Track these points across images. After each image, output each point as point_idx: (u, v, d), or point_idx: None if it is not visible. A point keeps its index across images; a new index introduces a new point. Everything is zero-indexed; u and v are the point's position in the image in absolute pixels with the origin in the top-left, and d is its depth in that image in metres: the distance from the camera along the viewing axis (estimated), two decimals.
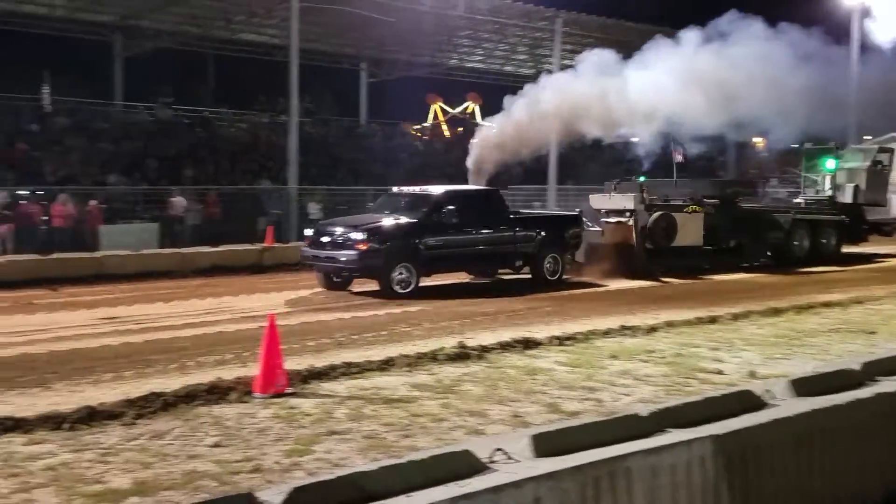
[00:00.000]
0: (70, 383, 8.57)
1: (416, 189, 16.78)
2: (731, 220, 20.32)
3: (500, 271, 17.13)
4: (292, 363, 8.53)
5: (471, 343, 10.02)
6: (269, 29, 31.79)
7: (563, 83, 20.35)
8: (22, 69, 28.60)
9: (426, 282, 15.36)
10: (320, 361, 9.12)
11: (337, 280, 15.35)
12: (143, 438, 6.56)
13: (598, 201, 19.78)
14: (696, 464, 4.35)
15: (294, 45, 25.71)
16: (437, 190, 16.33)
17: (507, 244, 16.24)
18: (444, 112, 46.06)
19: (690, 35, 20.17)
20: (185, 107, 32.92)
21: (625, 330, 11.26)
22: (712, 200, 20.08)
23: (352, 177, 29.99)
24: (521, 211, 19.43)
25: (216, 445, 6.40)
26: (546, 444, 4.03)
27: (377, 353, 9.66)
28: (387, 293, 14.40)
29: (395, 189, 17.59)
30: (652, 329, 11.42)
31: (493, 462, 3.88)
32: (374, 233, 14.77)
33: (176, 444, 6.42)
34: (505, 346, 9.98)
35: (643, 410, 4.94)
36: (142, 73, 32.05)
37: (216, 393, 7.77)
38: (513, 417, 7.21)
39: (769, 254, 21.24)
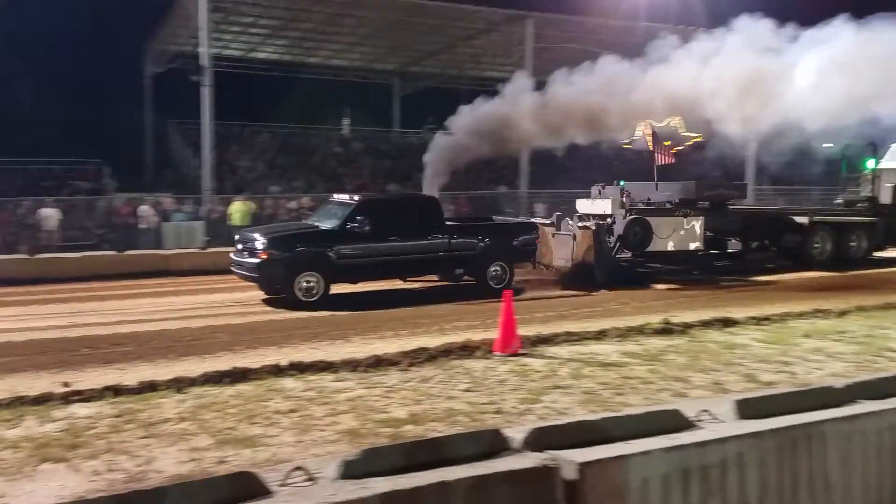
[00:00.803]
0: (364, 338, 9.20)
1: (343, 197, 13.61)
2: (738, 224, 16.36)
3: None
4: (524, 330, 8.59)
5: (675, 320, 9.57)
6: (507, 66, 32.26)
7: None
8: (330, 107, 31.60)
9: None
10: (546, 330, 9.11)
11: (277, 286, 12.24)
12: (414, 381, 6.90)
13: (584, 206, 15.94)
14: (886, 431, 3.89)
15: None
16: (355, 198, 13.26)
17: (439, 252, 12.95)
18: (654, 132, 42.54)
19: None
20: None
21: (817, 312, 10.26)
22: (704, 203, 15.89)
23: (572, 182, 29.68)
24: (464, 219, 16.31)
25: (467, 390, 6.61)
26: (748, 408, 3.78)
27: (593, 326, 9.48)
28: (292, 302, 11.72)
29: (332, 197, 14.36)
30: (843, 312, 10.31)
31: (699, 421, 3.69)
32: (278, 242, 12.13)
33: (438, 387, 6.70)
34: (706, 324, 9.43)
35: (837, 383, 4.48)
36: (413, 107, 34.07)
37: (466, 350, 8.01)
38: (713, 384, 6.81)
39: (780, 257, 16.80)
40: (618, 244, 14.66)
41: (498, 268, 13.32)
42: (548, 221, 15.55)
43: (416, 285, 13.99)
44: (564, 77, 16.14)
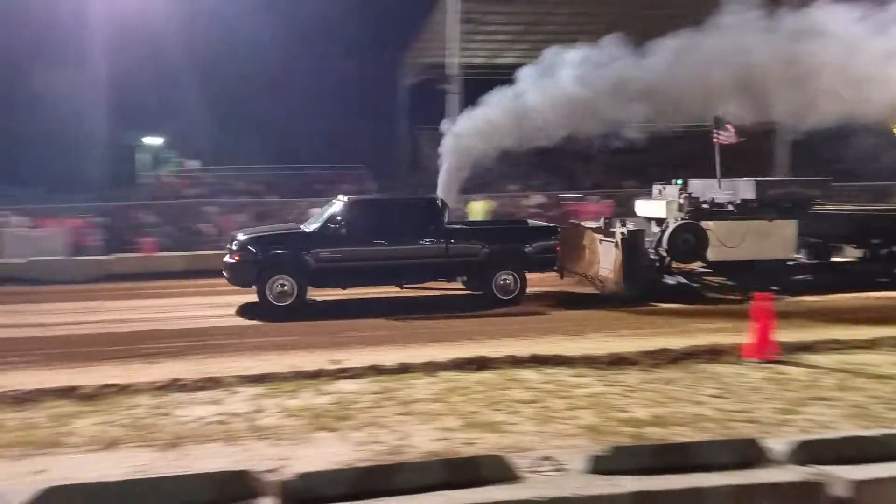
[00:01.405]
0: (603, 336, 9.05)
1: (340, 198, 12.27)
2: (849, 226, 13.16)
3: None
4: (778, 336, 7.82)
5: None
6: None
7: None
8: None
9: None
10: (806, 336, 8.22)
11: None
12: (656, 383, 6.63)
13: (642, 207, 13.89)
14: None
15: None
16: (343, 199, 12.06)
17: (435, 258, 11.67)
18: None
19: None
20: None
21: None
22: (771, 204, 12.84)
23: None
24: (474, 221, 14.89)
25: (716, 396, 6.19)
26: None
27: (863, 333, 8.38)
28: (265, 305, 11.08)
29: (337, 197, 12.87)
30: None
31: None
32: (252, 243, 11.43)
33: (682, 391, 6.36)
34: None
35: None
36: None
37: (714, 354, 7.53)
38: None
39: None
40: (664, 254, 12.57)
41: (508, 277, 11.76)
42: (594, 225, 13.17)
43: None
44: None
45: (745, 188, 12.92)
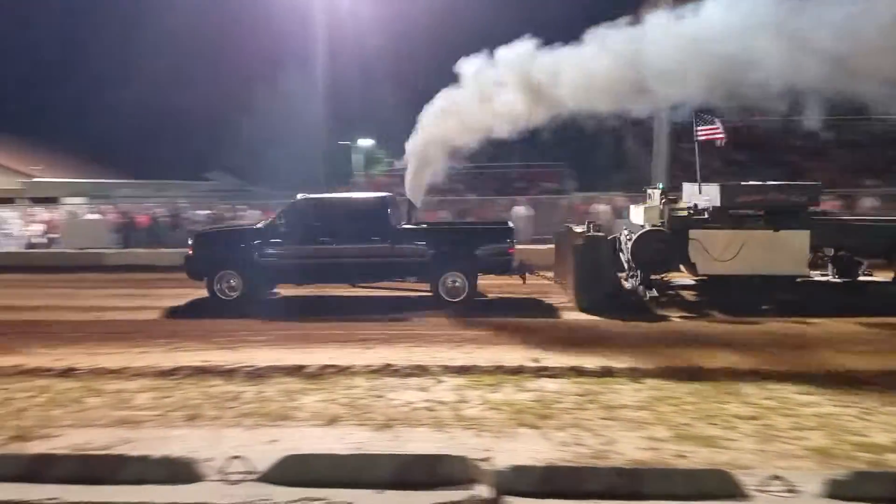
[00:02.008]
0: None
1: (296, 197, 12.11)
2: (872, 240, 11.05)
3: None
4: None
5: None
6: None
7: None
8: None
9: None
10: None
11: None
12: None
13: (633, 214, 12.24)
14: None
15: None
16: (297, 197, 11.99)
17: (381, 257, 11.40)
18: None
19: None
20: None
21: None
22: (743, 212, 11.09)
23: None
24: (429, 222, 13.63)
25: None
26: None
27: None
28: (213, 299, 11.45)
29: None
30: None
31: None
32: (203, 239, 12.09)
33: None
34: None
35: None
36: None
37: None
38: None
39: None
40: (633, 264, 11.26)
41: (455, 279, 11.42)
42: (579, 229, 11.91)
43: None
44: None
45: (713, 194, 11.37)
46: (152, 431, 5.45)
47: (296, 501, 2.80)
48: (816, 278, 11.47)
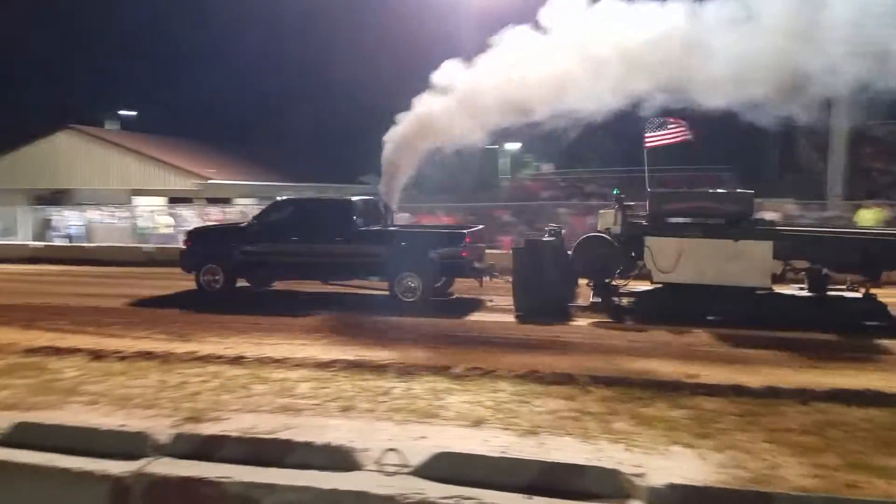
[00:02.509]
0: None
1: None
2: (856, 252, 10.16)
3: None
4: None
5: None
6: None
7: None
8: None
9: None
10: None
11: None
12: None
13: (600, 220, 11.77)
14: None
15: None
16: (277, 199, 13.93)
17: (343, 257, 12.23)
18: None
19: None
20: None
21: None
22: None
23: None
24: (391, 225, 13.67)
25: None
26: None
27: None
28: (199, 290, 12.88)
29: None
30: None
31: None
32: (194, 235, 13.92)
33: None
34: None
35: None
36: None
37: None
38: None
39: None
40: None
41: (410, 279, 11.88)
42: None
43: None
44: None
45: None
46: (311, 420, 5.81)
47: (448, 498, 2.88)
48: (785, 291, 10.86)
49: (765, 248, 10.36)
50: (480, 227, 13.48)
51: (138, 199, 30.21)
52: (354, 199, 13.20)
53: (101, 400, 6.32)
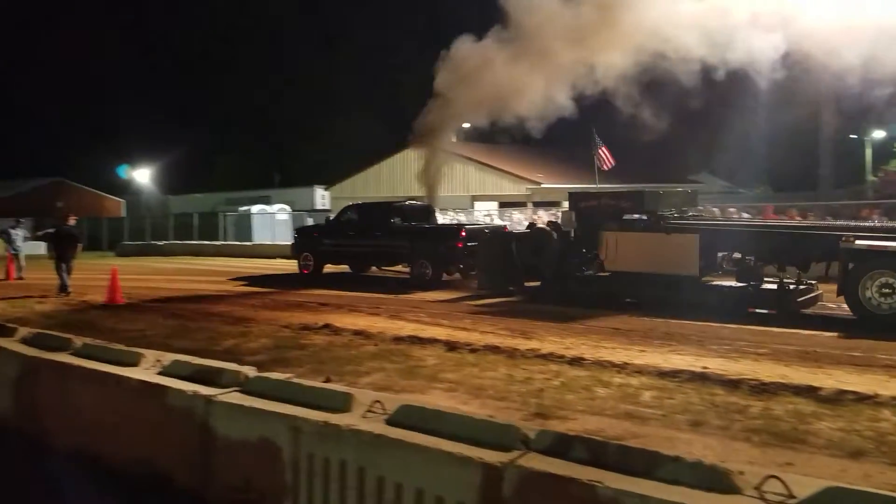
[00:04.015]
0: None
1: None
2: (753, 242, 11.44)
3: None
4: None
5: None
6: None
7: None
8: None
9: None
10: None
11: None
12: None
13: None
14: None
15: None
16: (346, 205, 19.10)
17: (382, 248, 16.38)
18: None
19: None
20: None
21: None
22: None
23: None
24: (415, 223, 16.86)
25: None
26: None
27: None
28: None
29: None
30: None
31: None
32: (297, 230, 20.55)
33: None
34: None
35: None
36: None
37: None
38: None
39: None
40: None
41: (425, 268, 15.44)
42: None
43: None
44: None
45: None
46: (657, 430, 5.63)
47: None
48: (717, 282, 11.94)
49: (690, 240, 11.48)
50: (502, 224, 18.37)
51: (477, 204, 32.71)
52: (395, 202, 17.97)
53: (458, 388, 6.88)
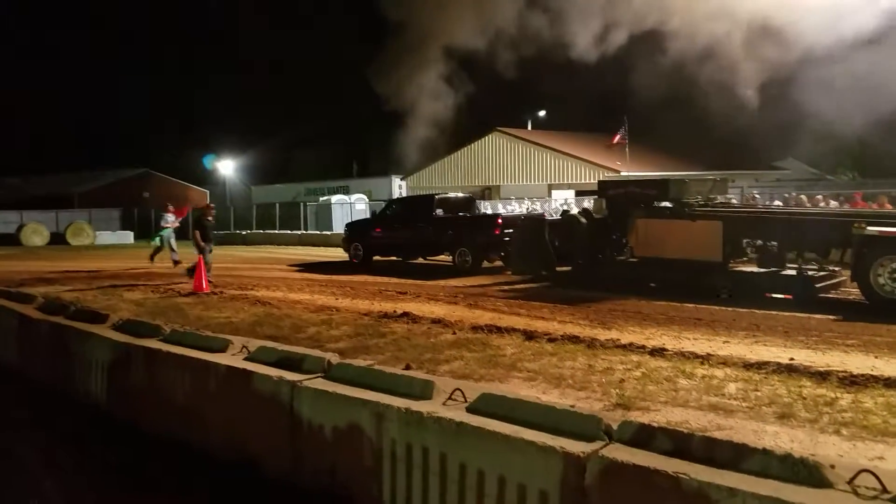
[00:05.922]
0: None
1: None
2: (768, 229, 11.79)
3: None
4: None
5: None
6: None
7: None
8: None
9: None
10: None
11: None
12: None
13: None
14: None
15: None
16: (391, 199, 21.71)
17: (425, 238, 17.18)
18: None
19: None
20: None
21: None
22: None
23: None
24: (459, 214, 17.98)
25: None
26: None
27: None
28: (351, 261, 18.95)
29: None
30: None
31: None
32: (348, 224, 21.26)
33: None
34: None
35: None
36: None
37: None
38: None
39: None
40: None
41: (465, 256, 16.35)
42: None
43: None
44: None
45: None
46: (743, 422, 5.48)
47: None
48: (744, 268, 12.06)
49: (716, 227, 11.79)
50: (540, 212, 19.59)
51: (555, 192, 32.40)
52: (438, 195, 18.55)
53: (538, 377, 6.88)
